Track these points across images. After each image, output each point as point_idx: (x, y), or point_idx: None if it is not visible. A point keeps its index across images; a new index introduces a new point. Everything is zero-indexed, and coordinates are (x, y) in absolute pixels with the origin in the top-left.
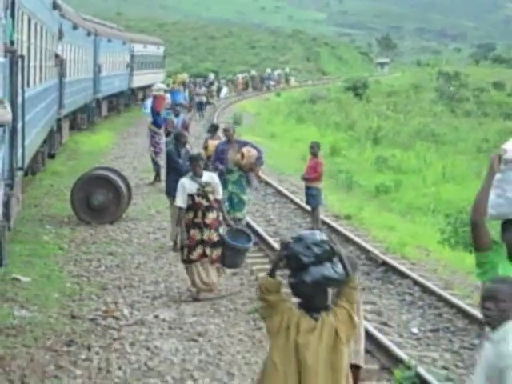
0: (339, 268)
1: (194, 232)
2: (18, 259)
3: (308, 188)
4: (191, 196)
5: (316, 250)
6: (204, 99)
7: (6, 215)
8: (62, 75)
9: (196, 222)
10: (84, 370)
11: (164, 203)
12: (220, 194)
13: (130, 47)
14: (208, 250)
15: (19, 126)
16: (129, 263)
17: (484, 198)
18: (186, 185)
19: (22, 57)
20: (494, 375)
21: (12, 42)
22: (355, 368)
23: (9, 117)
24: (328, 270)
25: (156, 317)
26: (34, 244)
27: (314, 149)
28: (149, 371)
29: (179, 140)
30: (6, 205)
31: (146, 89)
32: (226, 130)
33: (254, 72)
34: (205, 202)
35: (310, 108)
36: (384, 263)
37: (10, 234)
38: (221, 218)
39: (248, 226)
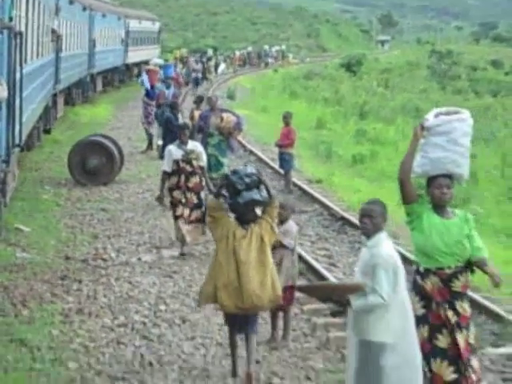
0: (264, 193)
1: (177, 194)
2: (20, 213)
3: (281, 153)
4: (176, 161)
5: (247, 179)
6: (200, 75)
7: (2, 191)
8: (58, 50)
9: (179, 185)
10: (75, 298)
11: (155, 168)
12: (204, 161)
13: (125, 23)
14: (187, 211)
15: (17, 102)
16: (118, 217)
17: (410, 160)
18: (173, 151)
19: (21, 33)
20: (368, 271)
21: (10, 19)
22: (291, 288)
23: (5, 94)
24: (255, 194)
25: (139, 259)
26: (35, 201)
27: (287, 118)
28: (129, 299)
29: (175, 108)
30: (3, 181)
31: (141, 65)
32: (209, 99)
33: (250, 48)
34: (188, 168)
35: (305, 84)
36: (342, 218)
37: (13, 193)
38: (203, 183)
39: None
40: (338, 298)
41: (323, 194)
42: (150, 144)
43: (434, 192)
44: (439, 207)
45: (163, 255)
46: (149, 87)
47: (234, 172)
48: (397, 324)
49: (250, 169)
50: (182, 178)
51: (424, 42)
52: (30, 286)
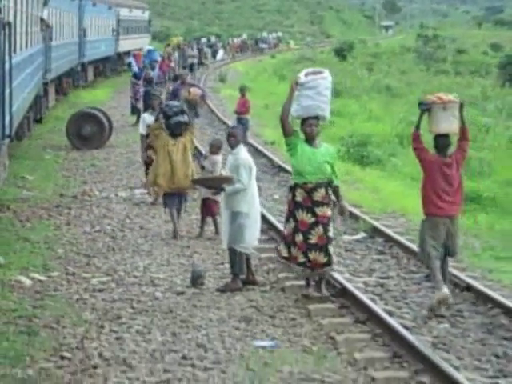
0: (186, 118)
1: (150, 153)
2: (26, 168)
3: (239, 119)
4: (149, 126)
5: (174, 109)
6: (196, 61)
7: None
8: (47, 40)
9: (151, 145)
10: (65, 217)
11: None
12: None
13: (115, 12)
14: None
15: (7, 93)
16: (104, 170)
17: (287, 106)
18: (146, 118)
19: (9, 23)
20: (234, 169)
21: None
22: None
23: None
24: (181, 118)
25: (116, 195)
26: (38, 160)
27: (243, 91)
28: (104, 217)
29: (150, 83)
30: None
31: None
32: (180, 75)
33: (245, 36)
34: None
35: (294, 67)
36: (279, 166)
37: (21, 154)
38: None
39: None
40: (218, 186)
41: (272, 152)
42: (138, 118)
43: (305, 129)
44: (309, 140)
45: (135, 193)
46: (136, 70)
47: (167, 105)
48: (250, 200)
49: (177, 103)
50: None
51: (426, 26)
52: (32, 210)
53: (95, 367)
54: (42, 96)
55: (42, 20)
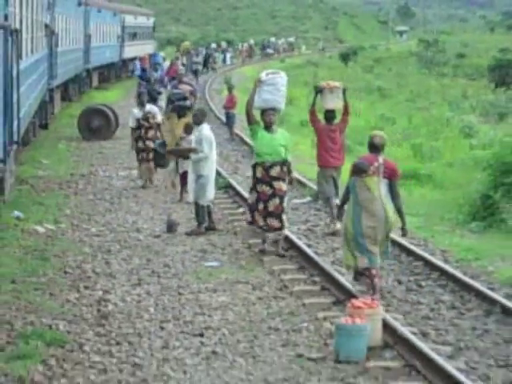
0: (187, 103)
1: (140, 143)
2: (42, 154)
3: (227, 113)
4: (138, 119)
5: (177, 96)
6: (200, 67)
7: (1, 189)
8: (53, 46)
9: (141, 136)
10: (73, 189)
11: None
12: (158, 118)
13: (120, 18)
14: (145, 155)
15: (14, 98)
16: (109, 156)
17: (251, 100)
18: (135, 112)
19: (16, 31)
20: (198, 142)
21: (6, 16)
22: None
23: None
24: (184, 103)
25: (116, 174)
26: (53, 148)
27: (230, 88)
28: (106, 189)
29: (150, 83)
30: (1, 180)
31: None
32: (178, 75)
33: (252, 41)
34: (146, 124)
35: (299, 71)
36: None
37: (38, 144)
38: (158, 134)
39: None
40: (186, 155)
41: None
42: None
43: (265, 118)
44: (268, 127)
45: (132, 173)
46: (139, 72)
47: (173, 93)
48: (210, 166)
49: (181, 92)
50: (142, 131)
51: (440, 32)
52: (47, 185)
53: (89, 277)
54: (48, 102)
55: (47, 26)
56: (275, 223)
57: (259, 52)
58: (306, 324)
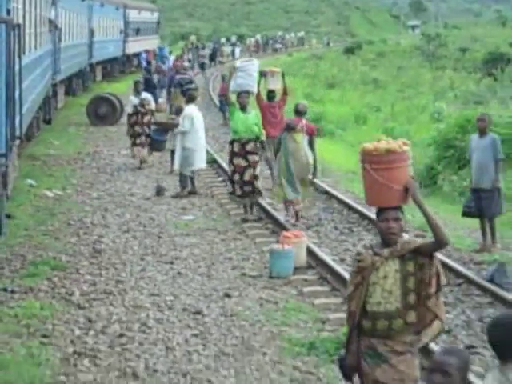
0: (193, 85)
1: (136, 128)
2: (53, 136)
3: (221, 100)
4: (134, 106)
5: (186, 81)
6: (206, 61)
7: (4, 184)
8: (56, 41)
9: (137, 121)
10: (79, 164)
11: None
12: (152, 105)
13: (124, 13)
14: (143, 139)
15: (16, 94)
16: (113, 138)
17: (229, 84)
18: (132, 100)
19: (19, 25)
20: (182, 120)
21: (8, 11)
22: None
23: None
24: (189, 86)
25: (118, 152)
26: (63, 132)
27: (224, 78)
28: (108, 164)
29: (149, 73)
30: (4, 174)
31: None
32: (176, 66)
33: (258, 36)
34: (142, 109)
35: (303, 64)
36: None
37: (50, 128)
38: (152, 120)
39: None
40: (170, 128)
41: None
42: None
43: (239, 100)
44: (242, 108)
45: (133, 151)
46: (145, 64)
47: (181, 78)
48: (194, 140)
49: (188, 77)
50: (139, 116)
51: (451, 26)
52: (56, 161)
53: (87, 227)
54: (51, 97)
55: (51, 21)
56: (251, 190)
57: (266, 47)
58: (253, 255)
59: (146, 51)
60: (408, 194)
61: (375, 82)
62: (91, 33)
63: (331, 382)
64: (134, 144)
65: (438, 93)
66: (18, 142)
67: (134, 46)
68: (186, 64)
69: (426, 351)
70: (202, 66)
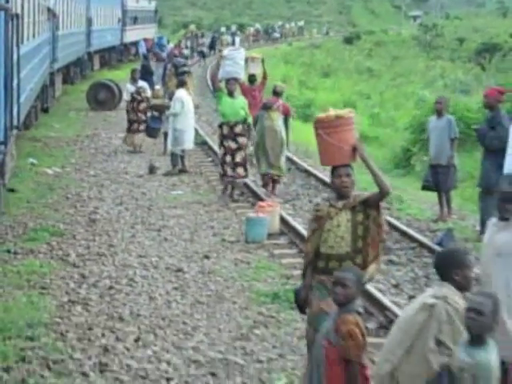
0: (187, 68)
1: (132, 115)
2: (54, 120)
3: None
4: (131, 93)
5: (181, 64)
6: (205, 49)
7: (1, 173)
8: (54, 29)
9: (133, 108)
10: (78, 146)
11: None
12: (148, 93)
13: (121, 2)
14: (137, 126)
15: (14, 83)
16: (111, 122)
17: (216, 71)
18: (128, 87)
19: (17, 15)
20: (173, 103)
21: (7, 0)
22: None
23: None
24: (184, 68)
25: (115, 135)
26: (64, 116)
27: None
28: (105, 146)
29: (147, 61)
30: (1, 163)
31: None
32: (169, 53)
33: (257, 25)
34: (138, 97)
35: (300, 53)
36: None
37: (51, 113)
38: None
39: None
40: (162, 110)
41: None
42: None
43: (228, 86)
44: (230, 93)
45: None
46: (145, 51)
47: (177, 61)
48: (184, 121)
49: (182, 60)
50: (135, 104)
51: (453, 16)
52: (57, 143)
53: (84, 200)
54: (49, 86)
55: (49, 9)
56: (241, 171)
57: (265, 36)
58: (233, 224)
59: (145, 39)
60: (356, 153)
61: (369, 71)
62: (89, 21)
63: (289, 324)
64: (128, 130)
65: (428, 82)
66: (16, 131)
67: (132, 35)
68: (185, 52)
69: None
70: (202, 54)
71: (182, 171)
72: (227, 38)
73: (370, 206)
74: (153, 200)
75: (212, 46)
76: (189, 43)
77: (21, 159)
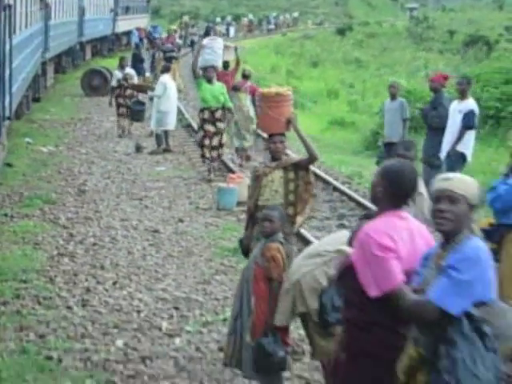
0: (174, 54)
1: (119, 100)
2: (50, 104)
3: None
4: (118, 80)
5: (169, 49)
6: (196, 39)
7: None
8: (47, 19)
9: (120, 94)
10: (72, 127)
11: None
12: (134, 79)
13: None
14: (124, 110)
15: (7, 74)
16: (104, 107)
17: (196, 60)
18: (117, 73)
19: (9, 6)
20: (157, 86)
21: None
22: None
23: None
24: (171, 54)
25: (107, 118)
26: (59, 101)
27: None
28: (97, 128)
29: (138, 49)
30: None
31: (130, 34)
32: (159, 40)
33: (251, 16)
34: (125, 83)
35: (294, 44)
36: None
37: (47, 98)
38: (135, 94)
39: None
40: (144, 91)
41: None
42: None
43: (206, 74)
44: (208, 80)
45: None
46: (137, 40)
47: (165, 47)
48: (167, 104)
49: (170, 46)
50: (122, 89)
51: (449, 9)
52: (52, 125)
53: (75, 174)
54: (41, 75)
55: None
56: (217, 154)
57: (259, 26)
58: (208, 195)
59: (138, 29)
60: (290, 124)
61: (357, 61)
62: (81, 11)
63: None
64: (118, 115)
65: (410, 72)
66: (7, 122)
67: (124, 25)
68: (179, 41)
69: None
70: (192, 44)
71: (166, 150)
72: (222, 29)
73: (301, 167)
74: (137, 175)
75: (206, 36)
76: (183, 33)
77: (18, 138)
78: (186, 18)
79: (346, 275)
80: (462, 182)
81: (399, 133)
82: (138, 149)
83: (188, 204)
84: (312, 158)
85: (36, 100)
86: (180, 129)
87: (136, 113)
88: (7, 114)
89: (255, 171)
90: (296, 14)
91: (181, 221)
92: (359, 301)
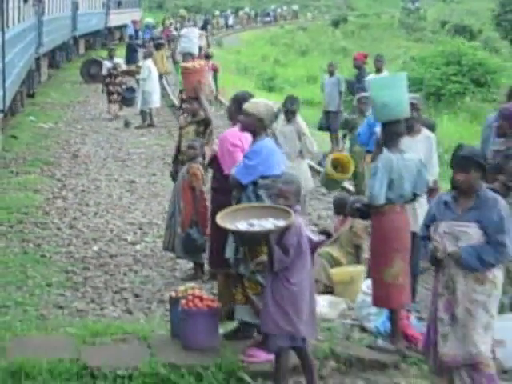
0: (161, 41)
1: (110, 87)
2: (51, 90)
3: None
4: (108, 69)
5: (156, 36)
6: None
7: None
8: (40, 14)
9: (111, 82)
10: (70, 109)
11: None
12: (123, 67)
13: None
14: (115, 96)
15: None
16: (100, 93)
17: (175, 48)
18: (106, 63)
19: (1, 0)
20: (143, 69)
21: None
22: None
23: None
24: (159, 41)
25: (103, 102)
26: (60, 87)
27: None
28: (94, 109)
29: (132, 41)
30: None
31: (123, 28)
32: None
33: (247, 9)
34: (114, 72)
35: (289, 35)
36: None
37: (48, 85)
38: (123, 81)
39: None
40: (133, 75)
41: None
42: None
43: (184, 60)
44: None
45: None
46: (133, 33)
47: (156, 36)
48: (150, 85)
49: (159, 35)
50: (112, 78)
51: (449, 0)
52: (53, 106)
53: (71, 144)
54: (35, 70)
55: None
56: None
57: (256, 19)
58: None
59: (134, 21)
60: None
61: (344, 50)
62: (75, 6)
63: None
64: (109, 101)
65: (390, 59)
66: (1, 116)
67: (116, 19)
68: (175, 33)
69: None
70: None
71: (151, 125)
72: (221, 21)
73: (208, 123)
74: (123, 143)
75: (204, 28)
76: (178, 26)
77: (22, 117)
78: (182, 11)
79: (214, 161)
80: (255, 103)
81: (336, 103)
82: (127, 124)
83: (162, 164)
84: (207, 121)
85: (30, 96)
86: (165, 107)
87: (128, 99)
88: (1, 107)
89: (179, 124)
90: (295, 7)
91: (154, 174)
92: (219, 176)
